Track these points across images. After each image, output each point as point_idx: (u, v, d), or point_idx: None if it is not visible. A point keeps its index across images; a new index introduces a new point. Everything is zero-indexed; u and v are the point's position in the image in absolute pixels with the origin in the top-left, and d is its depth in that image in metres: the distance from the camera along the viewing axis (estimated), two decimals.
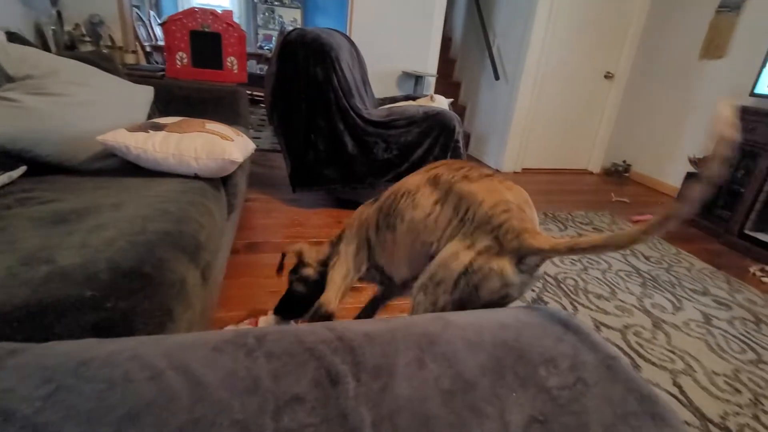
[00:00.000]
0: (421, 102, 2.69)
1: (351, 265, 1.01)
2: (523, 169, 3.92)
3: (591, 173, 4.14)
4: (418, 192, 0.85)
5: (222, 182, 1.38)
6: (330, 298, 1.00)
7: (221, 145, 1.27)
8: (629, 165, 3.98)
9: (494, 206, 0.73)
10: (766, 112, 2.52)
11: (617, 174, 4.02)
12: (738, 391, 1.36)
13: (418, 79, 3.43)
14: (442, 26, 3.44)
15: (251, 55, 4.86)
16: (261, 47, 6.85)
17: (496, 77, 3.64)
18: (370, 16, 3.29)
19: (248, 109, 2.36)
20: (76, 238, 0.78)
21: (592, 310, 1.73)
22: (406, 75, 3.51)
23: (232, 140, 1.33)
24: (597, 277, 2.01)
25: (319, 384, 0.42)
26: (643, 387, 0.49)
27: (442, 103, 2.66)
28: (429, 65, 3.50)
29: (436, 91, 3.46)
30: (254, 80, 4.01)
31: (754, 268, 2.28)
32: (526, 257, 0.68)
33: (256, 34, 7.37)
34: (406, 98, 2.91)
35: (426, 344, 0.49)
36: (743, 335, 1.67)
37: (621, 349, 1.50)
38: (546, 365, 0.49)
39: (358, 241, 1.01)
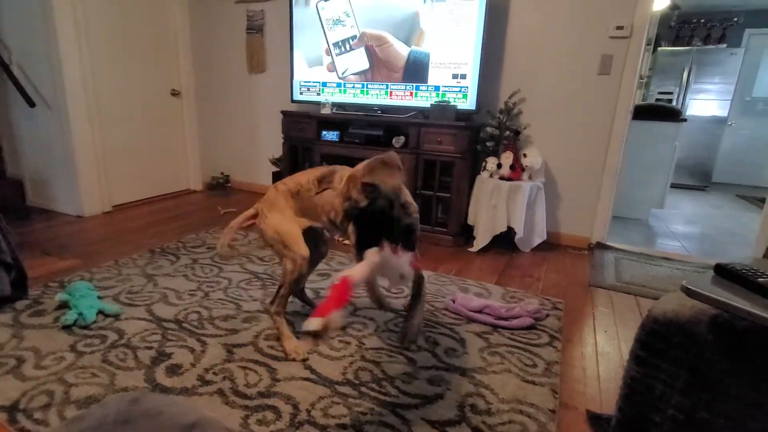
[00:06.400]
0: None
1: None
2: (114, 206, 3.46)
3: (195, 191, 4.18)
4: None
5: None
6: None
7: None
8: (228, 176, 4.29)
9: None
10: (306, 114, 3.26)
11: (220, 187, 4.25)
12: (348, 343, 1.71)
13: None
14: None
15: None
16: None
17: (31, 104, 2.95)
18: None
19: None
20: None
21: (221, 336, 1.71)
22: None
23: None
24: (220, 298, 2.02)
25: None
26: None
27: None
28: None
29: None
30: None
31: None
32: None
33: None
34: None
35: None
36: None
37: (262, 363, 1.56)
38: None
39: None
